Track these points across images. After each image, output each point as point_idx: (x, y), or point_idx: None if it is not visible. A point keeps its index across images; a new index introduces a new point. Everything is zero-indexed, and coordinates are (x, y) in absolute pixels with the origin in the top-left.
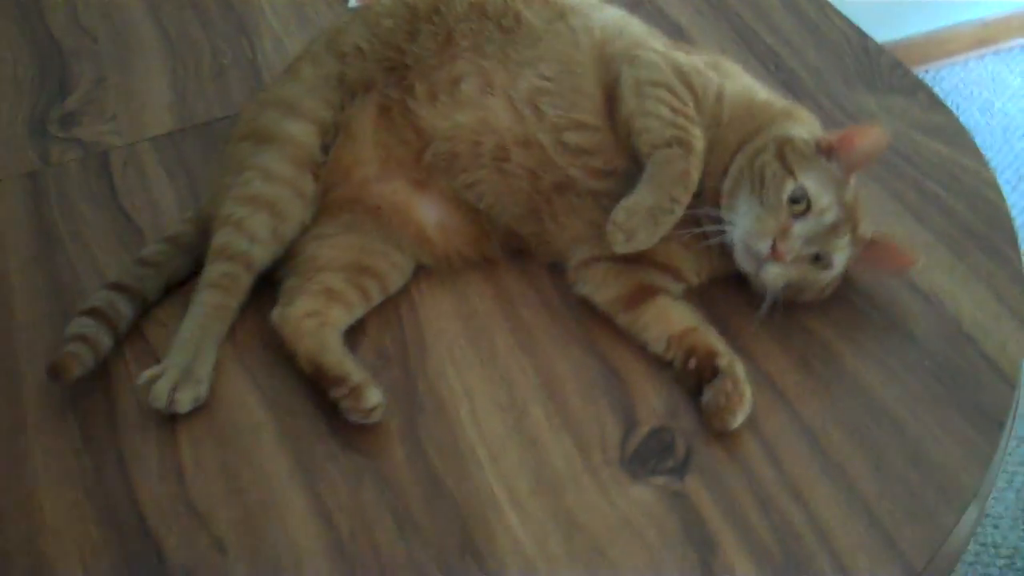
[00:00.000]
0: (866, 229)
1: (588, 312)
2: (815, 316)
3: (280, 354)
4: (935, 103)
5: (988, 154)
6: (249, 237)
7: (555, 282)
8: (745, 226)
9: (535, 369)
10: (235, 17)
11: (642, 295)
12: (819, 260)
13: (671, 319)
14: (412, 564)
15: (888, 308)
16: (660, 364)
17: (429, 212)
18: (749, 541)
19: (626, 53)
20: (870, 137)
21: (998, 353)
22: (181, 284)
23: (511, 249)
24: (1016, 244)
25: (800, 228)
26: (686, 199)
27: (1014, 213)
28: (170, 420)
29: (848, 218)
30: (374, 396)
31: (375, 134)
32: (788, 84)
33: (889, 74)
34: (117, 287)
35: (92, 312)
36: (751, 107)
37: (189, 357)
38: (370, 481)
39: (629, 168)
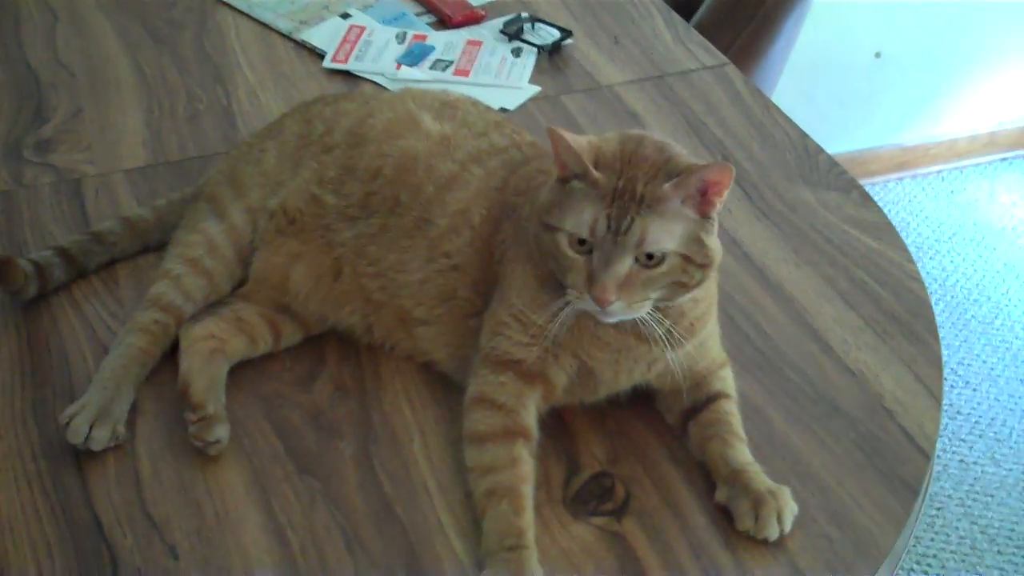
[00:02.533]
0: (665, 184)
1: None
2: (750, 384)
3: (242, 376)
4: (867, 201)
5: None
6: (185, 294)
7: None
8: (571, 300)
9: None
10: (211, 66)
11: None
12: (651, 259)
13: None
14: None
15: (817, 381)
16: (603, 415)
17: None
18: None
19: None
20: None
21: (915, 428)
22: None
23: None
24: (935, 332)
25: (598, 261)
26: None
27: None
28: (129, 431)
29: (628, 196)
30: (219, 431)
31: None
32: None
33: (827, 173)
34: (62, 253)
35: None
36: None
37: (109, 396)
38: (323, 502)
39: None
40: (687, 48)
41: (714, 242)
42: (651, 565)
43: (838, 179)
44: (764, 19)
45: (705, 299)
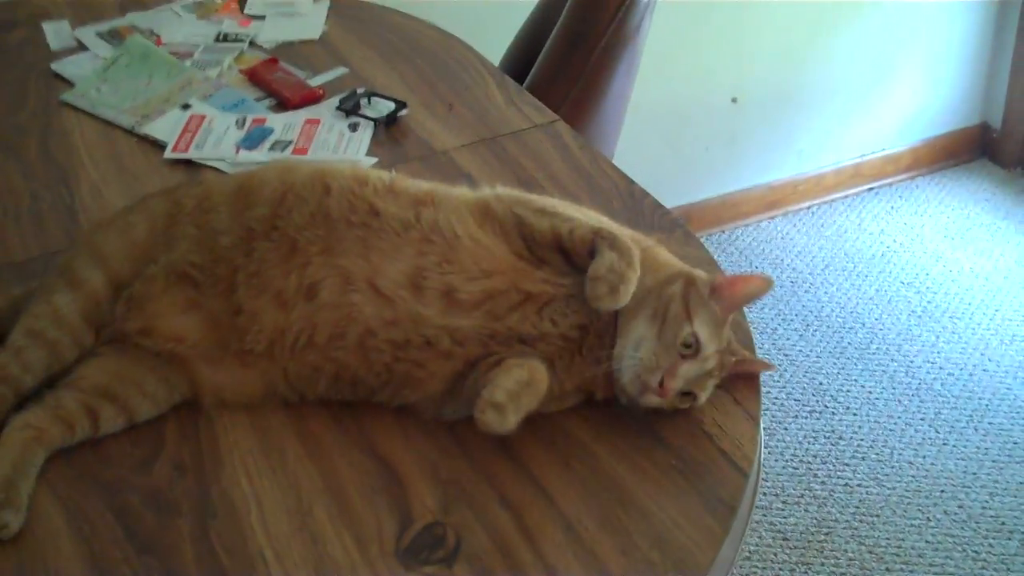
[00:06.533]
0: (730, 358)
1: (373, 421)
2: (576, 422)
3: (83, 464)
4: (690, 238)
5: (777, 306)
6: (23, 366)
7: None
8: (642, 357)
9: (321, 474)
10: (56, 168)
11: None
12: (688, 395)
13: None
14: None
15: (641, 414)
16: (436, 466)
17: (211, 378)
18: None
19: (515, 202)
20: (753, 283)
21: (734, 449)
22: None
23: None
24: (753, 354)
25: (685, 370)
26: (636, 271)
27: (800, 358)
28: None
29: (722, 363)
30: (6, 516)
31: (178, 317)
32: None
33: (651, 214)
34: None
35: None
36: (655, 258)
37: None
38: None
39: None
40: (519, 109)
41: None
42: None
43: (662, 220)
44: (592, 75)
45: None
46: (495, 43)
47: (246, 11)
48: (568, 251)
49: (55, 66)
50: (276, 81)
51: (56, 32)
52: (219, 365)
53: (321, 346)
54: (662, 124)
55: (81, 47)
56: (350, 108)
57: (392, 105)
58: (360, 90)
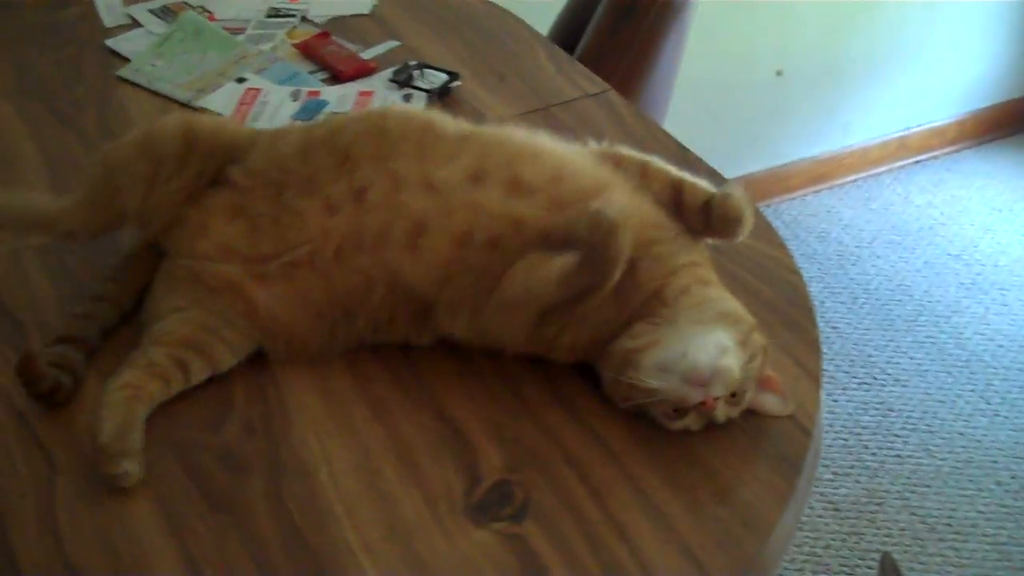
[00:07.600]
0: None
1: (437, 383)
2: None
3: (153, 425)
4: None
5: (824, 279)
6: None
7: (407, 361)
8: (726, 364)
9: (388, 435)
10: (112, 138)
11: None
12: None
13: None
14: None
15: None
16: (500, 425)
17: (265, 298)
18: (579, 574)
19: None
20: (777, 395)
21: (797, 409)
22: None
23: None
24: (813, 318)
25: (722, 407)
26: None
27: (848, 331)
28: (47, 485)
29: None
30: (124, 465)
31: (224, 226)
32: None
33: (708, 180)
34: (64, 339)
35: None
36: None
37: None
38: (235, 536)
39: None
40: (570, 79)
41: None
42: (552, 561)
43: (719, 186)
44: (643, 45)
45: None
46: (543, 14)
47: None
48: (681, 203)
49: (110, 42)
50: (329, 54)
51: (109, 9)
52: (267, 282)
53: (370, 246)
54: (707, 98)
55: (135, 24)
56: (403, 80)
57: (445, 76)
58: (413, 63)
